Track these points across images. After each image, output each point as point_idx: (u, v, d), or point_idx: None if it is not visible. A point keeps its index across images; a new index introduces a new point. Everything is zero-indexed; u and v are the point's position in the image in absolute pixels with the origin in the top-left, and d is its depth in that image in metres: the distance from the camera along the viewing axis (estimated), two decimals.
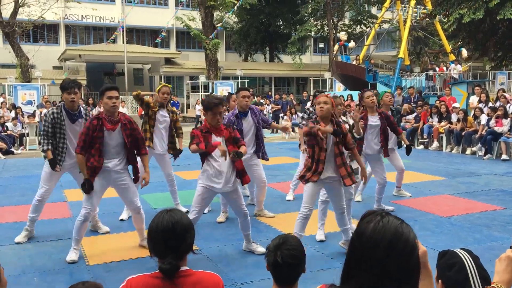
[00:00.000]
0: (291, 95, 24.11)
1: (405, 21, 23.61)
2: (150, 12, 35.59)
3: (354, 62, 23.33)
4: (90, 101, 20.55)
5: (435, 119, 14.22)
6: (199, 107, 21.84)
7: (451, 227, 6.06)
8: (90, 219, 5.76)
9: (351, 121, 6.05)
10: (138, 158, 5.18)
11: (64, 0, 27.15)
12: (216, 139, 4.69)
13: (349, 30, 35.47)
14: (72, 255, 4.93)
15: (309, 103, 20.00)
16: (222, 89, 25.05)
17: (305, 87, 34.75)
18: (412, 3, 23.53)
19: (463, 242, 5.35)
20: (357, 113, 6.08)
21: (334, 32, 33.32)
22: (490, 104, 13.37)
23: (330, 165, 4.79)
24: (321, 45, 36.02)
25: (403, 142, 7.31)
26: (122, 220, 6.54)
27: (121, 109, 20.40)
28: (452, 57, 23.18)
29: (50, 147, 5.32)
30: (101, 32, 36.58)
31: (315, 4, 33.65)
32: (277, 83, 36.54)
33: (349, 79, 23.25)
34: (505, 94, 13.87)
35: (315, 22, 35.73)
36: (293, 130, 17.87)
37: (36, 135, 16.22)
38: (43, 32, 33.08)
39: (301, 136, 6.88)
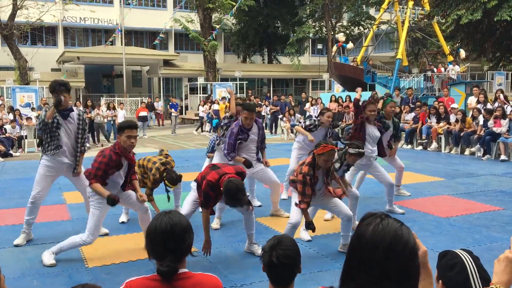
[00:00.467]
0: (289, 96, 24.11)
1: (403, 22, 23.64)
2: (148, 14, 35.59)
3: (351, 64, 23.37)
4: (89, 103, 20.50)
5: (434, 120, 14.23)
6: (203, 108, 21.80)
7: (450, 227, 6.07)
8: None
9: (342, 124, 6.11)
10: None
11: (63, 2, 27.13)
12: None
13: (347, 32, 35.50)
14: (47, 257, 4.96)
15: (310, 107, 19.99)
16: (221, 91, 25.07)
17: (303, 89, 34.76)
18: (410, 4, 23.55)
19: (463, 243, 5.35)
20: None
21: (332, 33, 33.34)
22: (488, 105, 13.39)
23: (321, 195, 4.97)
24: (320, 46, 35.97)
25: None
26: (122, 222, 6.56)
27: (119, 111, 20.32)
28: (450, 58, 23.21)
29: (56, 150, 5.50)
30: (100, 34, 36.57)
31: (313, 6, 33.68)
32: (276, 85, 36.55)
33: (347, 80, 23.27)
34: (501, 95, 13.88)
35: (313, 24, 35.75)
36: (292, 132, 17.89)
37: (35, 138, 16.21)
38: (42, 34, 33.06)
39: (302, 130, 6.98)
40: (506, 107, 12.72)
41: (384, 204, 6.83)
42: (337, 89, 25.80)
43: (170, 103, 22.75)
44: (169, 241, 2.07)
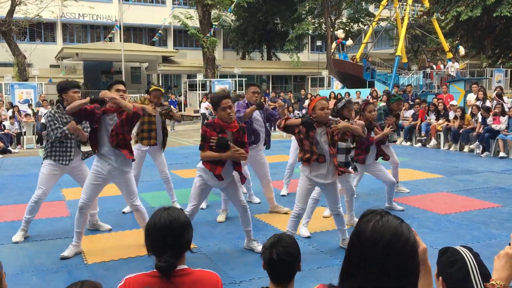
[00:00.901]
0: (289, 93, 24.10)
1: (402, 19, 23.62)
2: (147, 10, 35.53)
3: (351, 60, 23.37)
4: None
5: (433, 117, 14.23)
6: (204, 104, 21.74)
7: (449, 224, 6.07)
8: (90, 219, 5.79)
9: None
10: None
11: None
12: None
13: (347, 28, 35.49)
14: (65, 252, 5.00)
15: (307, 101, 20.01)
16: (220, 87, 25.06)
17: (303, 85, 34.75)
18: (410, 1, 23.55)
19: (461, 240, 5.36)
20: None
21: (331, 30, 33.31)
22: (488, 103, 13.40)
23: (326, 168, 4.82)
24: (319, 43, 35.99)
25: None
26: (124, 213, 6.66)
27: None
28: (449, 55, 23.21)
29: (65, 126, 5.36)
30: (98, 31, 36.51)
31: (313, 2, 33.64)
32: (275, 81, 36.55)
33: (346, 77, 23.27)
34: (495, 93, 13.90)
35: (313, 20, 35.72)
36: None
37: (33, 134, 16.19)
38: (40, 30, 33.01)
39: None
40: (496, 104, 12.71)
41: (383, 200, 6.83)
42: (336, 86, 25.80)
43: (169, 100, 22.71)
44: (168, 237, 2.07)
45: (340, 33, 25.45)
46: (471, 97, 14.84)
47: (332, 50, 26.42)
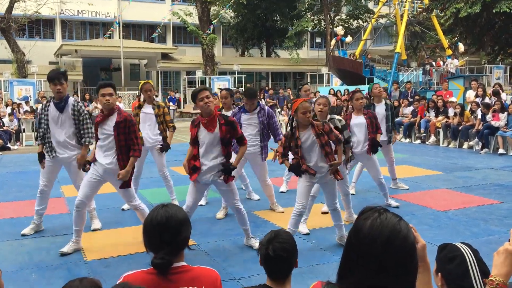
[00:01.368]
0: (288, 90, 24.07)
1: (402, 16, 23.58)
2: (147, 7, 35.43)
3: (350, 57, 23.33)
4: (87, 96, 20.47)
5: (432, 113, 14.23)
6: None
7: (449, 221, 6.08)
8: (89, 215, 5.79)
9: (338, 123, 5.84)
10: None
11: None
12: (202, 134, 4.74)
13: (346, 25, 35.42)
14: (64, 248, 5.02)
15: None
16: (219, 84, 25.02)
17: (302, 82, 34.69)
18: None
19: (461, 236, 5.36)
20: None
21: (331, 26, 33.26)
22: (487, 99, 13.40)
23: (322, 166, 4.82)
24: (318, 40, 35.88)
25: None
26: (123, 209, 6.68)
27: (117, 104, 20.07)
28: (449, 51, 23.18)
29: (40, 142, 5.51)
30: (98, 27, 36.44)
31: None
32: (274, 78, 36.50)
33: (346, 74, 23.24)
34: (491, 90, 13.92)
35: (312, 17, 35.65)
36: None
37: (33, 131, 16.18)
38: (39, 27, 32.95)
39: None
40: (493, 101, 12.71)
41: (382, 197, 6.84)
42: (336, 82, 25.78)
43: (169, 97, 22.70)
44: (164, 234, 2.07)
45: (339, 30, 25.41)
46: (471, 94, 14.83)
47: (331, 47, 26.38)
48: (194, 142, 4.81)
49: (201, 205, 6.61)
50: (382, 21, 29.17)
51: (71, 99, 5.47)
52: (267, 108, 6.45)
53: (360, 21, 36.05)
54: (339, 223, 5.17)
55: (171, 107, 21.83)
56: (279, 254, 2.32)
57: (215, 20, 29.16)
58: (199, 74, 27.44)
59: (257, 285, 2.46)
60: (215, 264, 4.63)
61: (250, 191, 7.32)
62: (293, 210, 4.95)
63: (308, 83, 6.92)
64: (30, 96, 20.35)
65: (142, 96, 6.71)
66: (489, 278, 1.63)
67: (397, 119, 14.82)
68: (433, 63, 22.20)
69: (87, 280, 1.88)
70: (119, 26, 27.91)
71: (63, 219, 6.34)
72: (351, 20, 36.49)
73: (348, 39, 25.24)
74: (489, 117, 12.07)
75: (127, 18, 33.12)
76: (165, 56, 31.73)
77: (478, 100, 13.49)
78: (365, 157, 6.56)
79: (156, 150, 6.71)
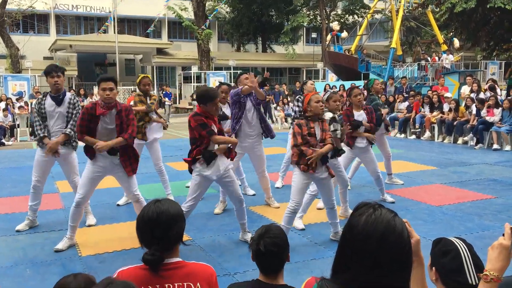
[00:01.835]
0: (283, 85, 24.05)
1: (397, 11, 23.58)
2: (142, 2, 35.23)
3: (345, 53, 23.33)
4: (81, 91, 20.37)
5: (427, 109, 14.26)
6: None
7: (443, 216, 6.10)
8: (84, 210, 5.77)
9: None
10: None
11: None
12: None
13: (342, 20, 35.39)
14: (59, 244, 5.00)
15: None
16: (215, 80, 24.96)
17: (298, 77, 34.69)
18: None
19: (455, 231, 5.39)
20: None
21: (326, 22, 33.22)
22: (481, 95, 13.43)
23: (319, 163, 4.84)
24: (314, 35, 35.87)
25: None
26: (118, 205, 6.68)
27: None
28: (444, 47, 23.21)
29: (46, 133, 5.38)
30: (92, 22, 36.25)
31: None
32: (270, 74, 36.46)
33: (341, 69, 23.25)
34: (487, 85, 13.96)
35: (308, 12, 35.59)
36: (286, 121, 17.87)
37: (27, 126, 16.11)
38: (33, 22, 32.74)
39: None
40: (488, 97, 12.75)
41: (378, 192, 6.85)
42: (331, 78, 25.78)
43: (164, 92, 22.63)
44: (155, 229, 2.06)
45: (335, 25, 25.38)
46: (466, 89, 14.87)
47: (327, 42, 26.38)
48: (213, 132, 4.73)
49: None
50: (378, 16, 29.20)
51: (69, 94, 5.49)
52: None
53: (355, 16, 36.03)
54: (334, 220, 5.19)
55: (166, 103, 21.76)
56: (270, 249, 2.32)
57: (211, 15, 29.05)
58: (194, 69, 27.36)
59: (249, 280, 2.46)
60: (210, 260, 4.63)
61: (246, 186, 7.32)
62: (287, 207, 4.95)
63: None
64: (24, 91, 20.24)
65: (137, 90, 6.73)
66: (484, 273, 1.64)
67: (392, 115, 14.87)
68: (429, 58, 22.22)
69: (81, 275, 1.87)
70: (114, 21, 27.78)
71: (57, 215, 6.32)
72: (347, 16, 36.46)
73: (344, 34, 25.23)
74: (483, 112, 12.11)
75: (122, 13, 32.96)
76: (161, 51, 31.62)
77: (473, 95, 13.53)
78: (363, 152, 6.55)
79: (154, 145, 6.72)
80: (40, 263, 4.69)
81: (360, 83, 19.81)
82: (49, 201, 6.94)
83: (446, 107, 13.65)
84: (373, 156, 6.56)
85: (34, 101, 16.98)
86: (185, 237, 5.31)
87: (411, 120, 14.51)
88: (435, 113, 13.80)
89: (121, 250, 4.96)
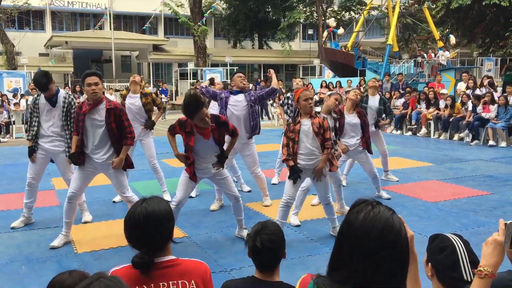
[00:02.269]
0: (279, 82, 24.03)
1: (394, 8, 23.59)
2: None
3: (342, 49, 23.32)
4: (77, 88, 20.30)
5: (423, 105, 14.28)
6: None
7: (439, 212, 6.12)
8: (79, 207, 5.76)
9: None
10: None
11: None
12: (200, 145, 4.67)
13: (338, 17, 35.38)
14: (54, 242, 4.98)
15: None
16: (211, 76, 24.90)
17: (294, 74, 34.68)
18: None
19: (451, 227, 5.40)
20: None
21: (323, 18, 33.20)
22: (477, 91, 13.45)
23: (314, 159, 4.85)
24: (310, 31, 35.85)
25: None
26: (114, 202, 6.67)
27: (109, 97, 20.23)
28: (440, 43, 23.25)
29: (30, 138, 5.43)
30: (88, 19, 36.11)
31: None
32: (266, 70, 36.40)
33: (338, 66, 23.25)
34: (487, 81, 13.97)
35: (304, 9, 35.56)
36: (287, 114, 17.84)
37: (23, 123, 16.05)
38: (29, 18, 32.58)
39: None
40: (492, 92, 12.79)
41: (374, 189, 6.86)
42: (328, 74, 25.77)
43: (160, 89, 22.60)
44: (142, 232, 2.02)
45: (331, 22, 25.37)
46: (462, 86, 14.90)
47: (323, 39, 26.35)
48: (189, 149, 4.68)
49: (191, 197, 6.59)
50: (374, 13, 29.19)
51: (62, 92, 5.44)
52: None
53: (352, 13, 36.02)
54: (332, 216, 5.20)
55: (163, 99, 21.69)
56: (267, 245, 2.32)
57: (208, 12, 28.97)
58: (191, 66, 27.30)
59: (245, 277, 2.46)
60: (206, 256, 4.63)
61: (242, 183, 7.32)
62: (281, 201, 4.98)
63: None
64: (20, 88, 20.16)
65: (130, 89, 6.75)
66: (478, 269, 1.64)
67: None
68: (425, 55, 22.25)
69: (77, 272, 1.86)
70: (110, 17, 27.66)
71: (53, 212, 6.31)
72: (343, 12, 36.44)
73: (340, 31, 25.22)
74: (479, 109, 12.13)
75: (118, 9, 32.82)
76: (157, 48, 31.53)
77: (468, 92, 13.55)
78: (357, 153, 6.53)
79: (144, 142, 6.71)
80: (36, 260, 4.68)
81: (356, 79, 19.85)
82: (44, 198, 6.92)
83: (442, 104, 13.68)
84: (367, 156, 6.52)
85: (30, 98, 16.96)
86: (181, 234, 5.32)
87: (407, 116, 14.53)
88: (431, 110, 13.82)
89: (117, 247, 4.96)
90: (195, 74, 27.77)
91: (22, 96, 17.61)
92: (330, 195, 5.10)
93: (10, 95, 17.95)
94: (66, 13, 35.12)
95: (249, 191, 7.19)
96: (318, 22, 33.24)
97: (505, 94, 12.46)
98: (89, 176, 5.00)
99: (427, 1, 24.28)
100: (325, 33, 25.44)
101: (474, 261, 1.86)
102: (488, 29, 26.15)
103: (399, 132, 14.68)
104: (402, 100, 15.30)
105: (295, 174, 4.86)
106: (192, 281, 2.04)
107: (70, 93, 5.61)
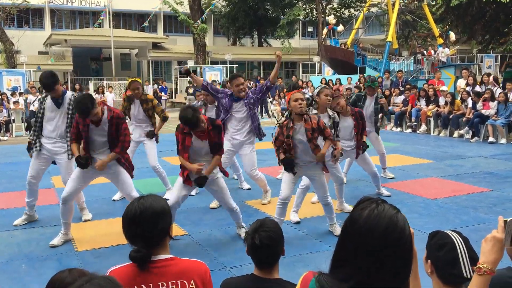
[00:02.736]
0: (279, 79, 24.01)
1: (393, 5, 23.55)
2: None
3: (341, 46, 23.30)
4: (77, 86, 20.29)
5: (423, 102, 14.28)
6: None
7: (439, 209, 6.12)
8: (78, 206, 5.77)
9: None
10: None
11: None
12: (196, 145, 4.69)
13: (338, 14, 35.32)
14: (54, 240, 4.99)
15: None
16: (211, 74, 24.90)
17: (294, 72, 34.65)
18: None
19: (450, 224, 5.41)
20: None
21: (322, 15, 33.15)
22: (477, 88, 13.45)
23: (309, 160, 4.87)
24: (310, 29, 35.78)
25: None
26: (114, 200, 6.66)
27: (108, 95, 20.16)
28: (440, 40, 23.22)
29: (32, 136, 5.46)
30: (87, 17, 36.05)
31: None
32: (266, 68, 36.36)
33: (338, 63, 23.23)
34: (491, 78, 13.94)
35: (304, 6, 35.50)
36: (282, 115, 17.86)
37: (22, 122, 16.05)
38: (28, 16, 32.52)
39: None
40: (496, 89, 12.78)
41: (374, 186, 6.85)
42: (328, 72, 25.76)
43: (160, 87, 22.59)
44: (139, 227, 2.04)
45: (331, 19, 25.34)
46: (461, 83, 14.88)
47: (323, 36, 26.32)
48: (185, 150, 4.71)
49: (191, 195, 6.59)
50: (374, 10, 29.14)
51: (69, 94, 5.43)
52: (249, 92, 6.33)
53: (351, 10, 35.97)
54: (331, 215, 5.20)
55: (162, 97, 21.71)
56: (265, 243, 2.32)
57: (207, 10, 28.92)
58: (190, 63, 27.28)
59: (244, 275, 2.46)
60: (206, 254, 4.64)
61: (242, 181, 7.31)
62: (278, 199, 4.99)
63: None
64: (19, 86, 20.15)
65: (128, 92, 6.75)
66: (477, 265, 1.64)
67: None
68: (424, 52, 22.22)
69: (76, 270, 1.86)
70: (109, 15, 27.62)
71: (53, 210, 6.30)
72: (343, 9, 36.39)
73: (340, 28, 25.21)
74: (479, 105, 12.13)
75: (117, 7, 32.80)
76: (156, 46, 31.50)
77: (468, 88, 13.54)
78: (352, 153, 6.48)
79: (145, 145, 6.70)
80: (36, 258, 4.68)
81: (356, 77, 19.84)
82: (44, 196, 6.92)
83: (442, 101, 13.67)
84: (365, 156, 6.48)
85: (29, 96, 16.96)
86: (181, 232, 5.32)
87: (407, 113, 14.53)
88: (431, 107, 13.82)
89: (117, 245, 4.95)
90: (194, 72, 27.70)
91: (21, 94, 17.61)
92: (328, 195, 5.09)
93: (9, 94, 17.92)
94: (65, 11, 35.07)
95: (249, 189, 7.19)
96: (318, 20, 33.19)
97: (505, 90, 12.45)
98: (86, 178, 5.00)
99: None
100: (325, 31, 25.42)
101: (473, 258, 1.86)
102: (488, 26, 26.11)
103: (399, 129, 14.68)
104: (402, 97, 15.29)
105: (288, 166, 4.86)
106: (192, 281, 2.04)
107: (76, 95, 5.60)
